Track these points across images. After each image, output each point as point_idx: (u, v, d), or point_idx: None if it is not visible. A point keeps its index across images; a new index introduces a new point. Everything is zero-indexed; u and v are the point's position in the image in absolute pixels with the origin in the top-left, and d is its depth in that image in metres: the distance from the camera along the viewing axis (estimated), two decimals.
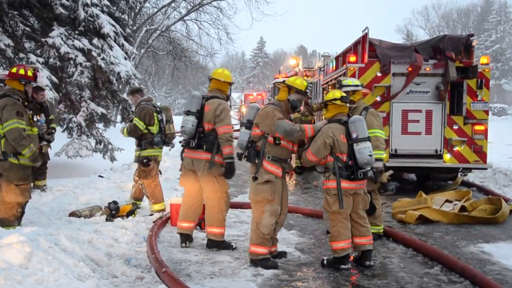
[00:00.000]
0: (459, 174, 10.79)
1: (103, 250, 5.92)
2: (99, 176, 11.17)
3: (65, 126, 13.77)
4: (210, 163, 6.30)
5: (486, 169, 10.72)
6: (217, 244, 6.46)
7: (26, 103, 6.32)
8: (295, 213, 8.47)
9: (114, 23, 13.59)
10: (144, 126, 7.91)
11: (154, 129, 8.02)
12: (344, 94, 5.96)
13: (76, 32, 12.67)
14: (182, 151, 6.64)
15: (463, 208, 8.21)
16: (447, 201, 8.64)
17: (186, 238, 6.60)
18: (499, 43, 68.56)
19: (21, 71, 6.26)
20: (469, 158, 10.08)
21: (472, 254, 6.41)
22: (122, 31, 14.35)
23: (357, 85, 6.94)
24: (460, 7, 75.07)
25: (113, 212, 7.73)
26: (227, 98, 6.59)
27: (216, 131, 6.32)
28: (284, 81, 6.21)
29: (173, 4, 31.91)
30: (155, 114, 8.08)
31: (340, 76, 10.58)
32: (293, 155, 6.14)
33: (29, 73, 6.30)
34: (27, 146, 6.14)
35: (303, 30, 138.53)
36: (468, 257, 6.27)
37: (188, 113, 6.33)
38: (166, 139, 8.29)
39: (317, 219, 8.10)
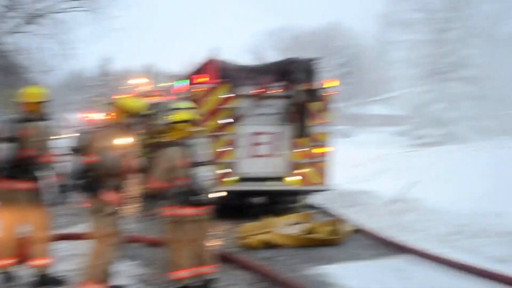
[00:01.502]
0: (304, 196, 11.01)
1: None
2: None
3: None
4: (41, 193, 5.89)
5: (329, 190, 11.00)
6: (46, 280, 5.82)
7: None
8: (137, 242, 7.90)
9: None
10: None
11: None
12: (190, 117, 5.77)
13: None
14: None
15: (306, 230, 8.31)
16: (291, 224, 8.69)
17: (8, 277, 5.88)
18: (346, 67, 73.46)
19: None
20: (313, 180, 10.21)
21: (313, 276, 6.43)
22: None
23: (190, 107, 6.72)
24: (310, 30, 78.29)
25: None
26: (43, 118, 6.01)
27: (41, 157, 5.83)
28: (118, 102, 5.79)
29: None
30: None
31: (188, 96, 10.27)
32: (135, 182, 5.74)
33: None
34: None
35: (151, 49, 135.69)
36: (309, 279, 6.26)
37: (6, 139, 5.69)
38: None
39: (161, 248, 7.61)
